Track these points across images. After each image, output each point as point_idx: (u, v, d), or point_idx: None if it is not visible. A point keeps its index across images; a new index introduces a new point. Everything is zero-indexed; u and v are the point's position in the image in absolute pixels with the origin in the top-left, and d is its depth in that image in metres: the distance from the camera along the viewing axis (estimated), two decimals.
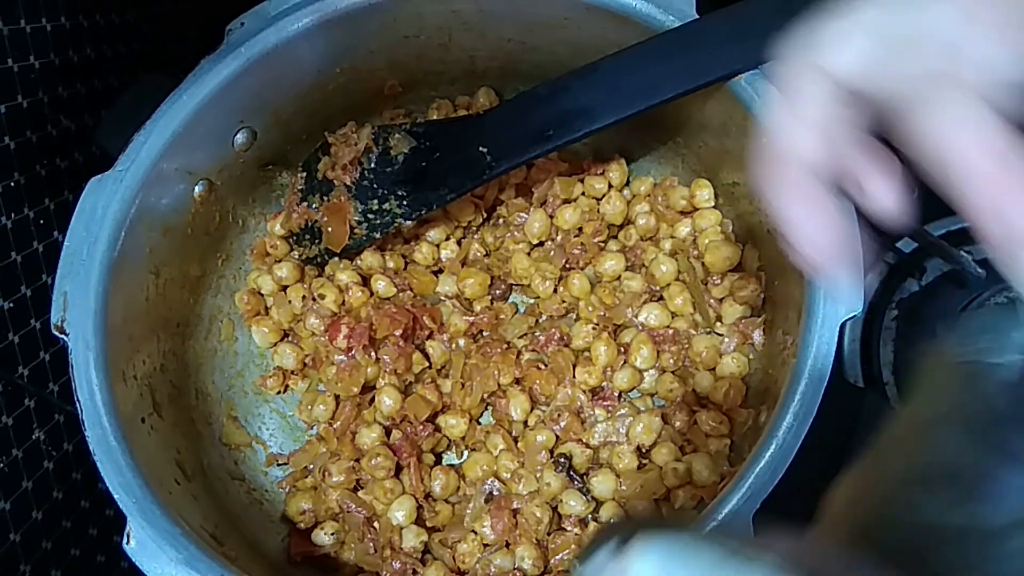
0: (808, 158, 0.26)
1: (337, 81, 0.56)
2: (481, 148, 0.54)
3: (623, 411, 0.55)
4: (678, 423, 0.53)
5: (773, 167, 0.27)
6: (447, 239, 0.62)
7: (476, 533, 0.52)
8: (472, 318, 0.59)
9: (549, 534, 0.52)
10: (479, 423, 0.58)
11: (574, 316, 0.59)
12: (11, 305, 0.55)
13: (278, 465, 0.59)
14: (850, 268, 0.26)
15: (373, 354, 0.57)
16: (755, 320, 0.54)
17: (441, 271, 0.62)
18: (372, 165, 0.58)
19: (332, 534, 0.54)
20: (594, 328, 0.57)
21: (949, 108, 0.23)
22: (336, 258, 0.60)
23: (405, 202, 0.57)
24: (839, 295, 0.26)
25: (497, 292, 0.61)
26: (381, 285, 0.59)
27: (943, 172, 0.23)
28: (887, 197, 0.27)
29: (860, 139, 0.27)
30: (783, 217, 0.26)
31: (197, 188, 0.55)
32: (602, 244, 0.60)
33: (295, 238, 0.61)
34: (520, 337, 0.59)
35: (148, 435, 0.49)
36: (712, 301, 0.57)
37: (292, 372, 0.60)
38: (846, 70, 0.25)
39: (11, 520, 0.54)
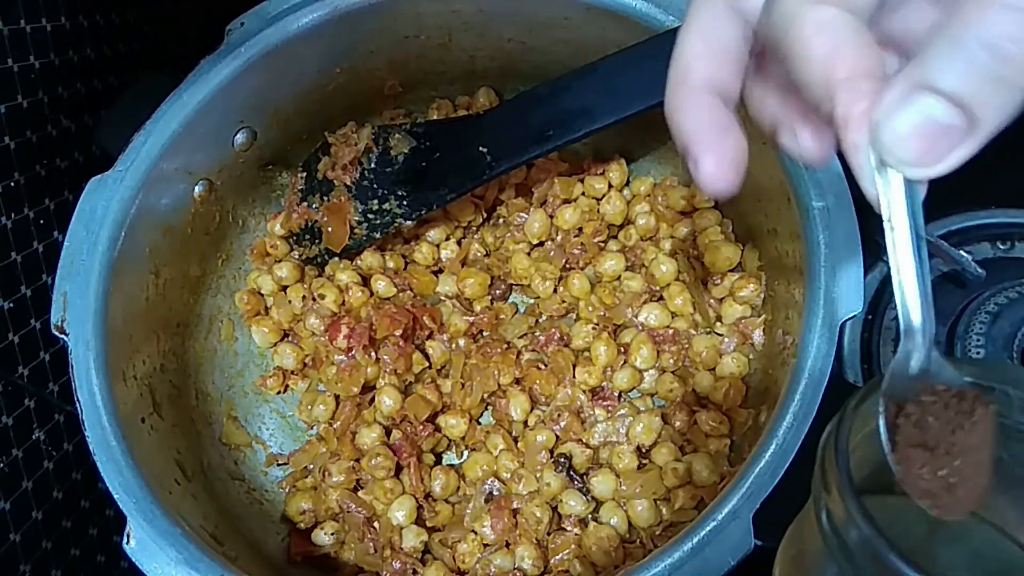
0: (707, 76, 0.27)
1: (337, 81, 0.57)
2: (481, 148, 0.54)
3: (623, 411, 0.55)
4: (678, 423, 0.53)
5: (675, 85, 0.27)
6: (447, 239, 0.62)
7: (476, 533, 0.52)
8: (472, 318, 0.59)
9: (549, 534, 0.52)
10: (479, 423, 0.58)
11: (574, 316, 0.59)
12: (11, 305, 0.55)
13: (278, 465, 0.59)
14: (735, 179, 0.27)
15: (373, 354, 0.57)
16: (755, 320, 0.54)
17: (441, 271, 0.62)
18: (372, 165, 0.58)
19: (332, 534, 0.54)
20: (594, 328, 0.57)
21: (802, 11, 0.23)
22: (336, 258, 0.60)
23: (405, 202, 0.57)
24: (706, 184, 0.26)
25: (497, 292, 0.61)
26: (381, 285, 0.59)
27: (796, 68, 0.24)
28: (806, 142, 0.27)
29: (783, 85, 0.27)
30: (679, 133, 0.27)
31: (197, 188, 0.55)
32: (602, 244, 0.60)
33: (295, 238, 0.61)
34: (520, 337, 0.59)
35: (148, 435, 0.49)
36: (712, 301, 0.57)
37: (292, 372, 0.60)
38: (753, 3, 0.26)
39: (11, 520, 0.54)
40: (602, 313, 0.57)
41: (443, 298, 0.61)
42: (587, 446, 0.54)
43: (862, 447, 0.28)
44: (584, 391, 0.56)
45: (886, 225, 0.24)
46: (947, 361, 0.26)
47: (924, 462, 0.24)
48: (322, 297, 0.59)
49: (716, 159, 0.26)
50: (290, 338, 0.61)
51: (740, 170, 0.26)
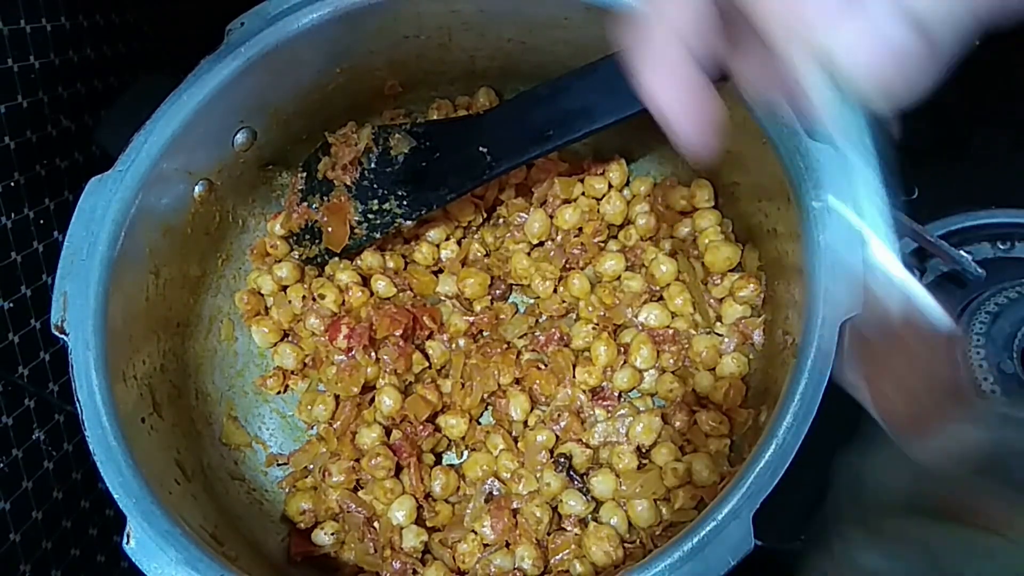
0: (675, 27, 0.26)
1: (337, 81, 0.57)
2: (481, 148, 0.54)
3: (623, 411, 0.55)
4: (678, 423, 0.53)
5: (640, 35, 0.27)
6: (447, 239, 0.62)
7: (476, 533, 0.52)
8: (472, 318, 0.59)
9: (549, 534, 0.52)
10: (479, 423, 0.58)
11: (574, 316, 0.59)
12: (11, 305, 0.55)
13: (278, 465, 0.59)
14: (709, 135, 0.26)
15: (373, 354, 0.57)
16: (755, 320, 0.54)
17: (441, 271, 0.62)
18: (372, 165, 0.58)
19: (332, 534, 0.54)
20: (594, 328, 0.57)
21: None
22: (336, 258, 0.60)
23: (405, 202, 0.57)
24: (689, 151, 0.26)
25: (497, 292, 0.61)
26: (381, 285, 0.59)
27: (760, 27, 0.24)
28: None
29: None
30: (644, 84, 0.26)
31: (197, 188, 0.55)
32: (602, 244, 0.60)
33: (295, 238, 0.61)
34: (520, 337, 0.59)
35: (148, 435, 0.49)
36: (712, 301, 0.57)
37: (292, 372, 0.60)
38: None
39: (11, 520, 0.54)
40: (602, 313, 0.57)
41: (443, 298, 0.61)
42: (587, 446, 0.54)
43: (886, 473, 0.28)
44: (584, 391, 0.56)
45: (843, 148, 0.24)
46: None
47: (886, 387, 0.24)
48: (322, 297, 0.59)
49: (692, 119, 0.26)
50: (290, 338, 0.61)
51: (717, 129, 0.26)
